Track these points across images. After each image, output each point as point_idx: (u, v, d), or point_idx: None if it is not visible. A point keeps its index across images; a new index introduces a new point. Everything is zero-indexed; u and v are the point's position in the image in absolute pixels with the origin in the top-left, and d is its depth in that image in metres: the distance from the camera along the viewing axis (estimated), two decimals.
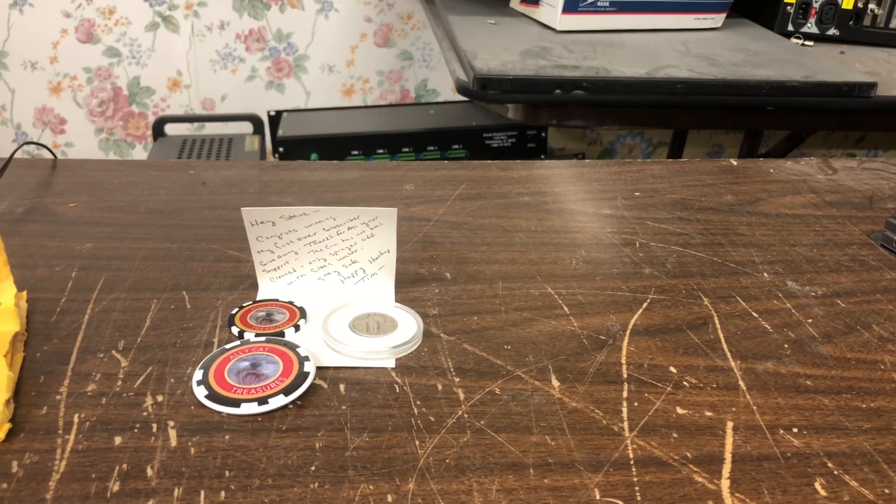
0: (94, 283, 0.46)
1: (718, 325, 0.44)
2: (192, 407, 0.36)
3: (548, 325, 0.44)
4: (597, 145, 1.87)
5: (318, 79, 1.71)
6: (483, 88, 0.87)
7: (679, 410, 0.37)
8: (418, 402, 0.37)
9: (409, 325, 0.43)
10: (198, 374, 0.38)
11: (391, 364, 0.40)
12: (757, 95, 0.90)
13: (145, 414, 0.36)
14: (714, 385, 0.39)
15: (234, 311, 0.44)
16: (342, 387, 0.38)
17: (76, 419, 0.35)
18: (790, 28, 1.16)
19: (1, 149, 1.70)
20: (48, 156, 0.65)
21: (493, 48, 0.96)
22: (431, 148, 1.46)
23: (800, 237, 0.56)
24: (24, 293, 0.44)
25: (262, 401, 0.36)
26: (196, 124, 1.71)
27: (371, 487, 0.32)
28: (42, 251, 0.50)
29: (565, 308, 0.46)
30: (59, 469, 0.32)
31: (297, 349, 0.40)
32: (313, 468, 0.33)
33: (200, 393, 0.37)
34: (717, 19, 1.14)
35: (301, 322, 0.43)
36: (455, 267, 0.50)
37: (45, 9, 1.58)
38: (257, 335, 0.42)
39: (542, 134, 1.50)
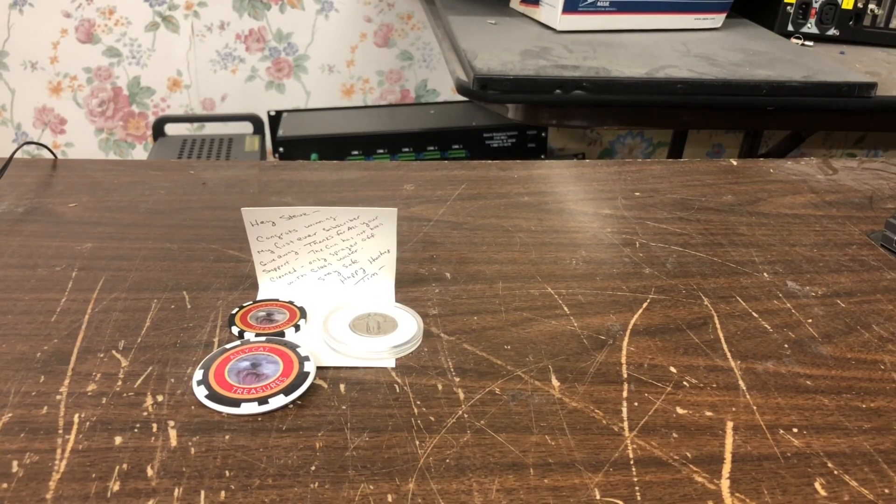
0: (94, 283, 0.46)
1: (718, 325, 0.44)
2: (193, 407, 0.36)
3: (548, 325, 0.44)
4: (597, 145, 1.87)
5: (318, 79, 1.71)
6: (483, 88, 0.87)
7: (679, 410, 0.37)
8: (418, 402, 0.37)
9: (409, 325, 0.43)
10: (198, 374, 0.38)
11: (391, 364, 0.40)
12: (757, 95, 0.90)
13: (145, 414, 0.36)
14: (714, 385, 0.39)
15: (234, 311, 0.44)
16: (342, 387, 0.38)
17: (76, 419, 0.35)
18: (790, 28, 1.16)
19: (1, 149, 1.70)
20: (48, 156, 0.65)
21: (493, 48, 0.96)
22: (431, 148, 1.46)
23: (800, 237, 0.56)
24: None
25: (263, 401, 0.36)
26: (196, 124, 1.71)
27: (371, 487, 0.32)
28: (42, 251, 0.50)
29: (565, 308, 0.46)
30: (60, 469, 0.32)
31: (298, 349, 0.40)
32: (313, 468, 0.33)
33: (200, 393, 0.37)
34: (717, 19, 1.14)
35: (301, 322, 0.43)
36: (455, 267, 0.50)
37: (45, 9, 1.58)
38: (257, 335, 0.42)
39: (542, 134, 1.50)
